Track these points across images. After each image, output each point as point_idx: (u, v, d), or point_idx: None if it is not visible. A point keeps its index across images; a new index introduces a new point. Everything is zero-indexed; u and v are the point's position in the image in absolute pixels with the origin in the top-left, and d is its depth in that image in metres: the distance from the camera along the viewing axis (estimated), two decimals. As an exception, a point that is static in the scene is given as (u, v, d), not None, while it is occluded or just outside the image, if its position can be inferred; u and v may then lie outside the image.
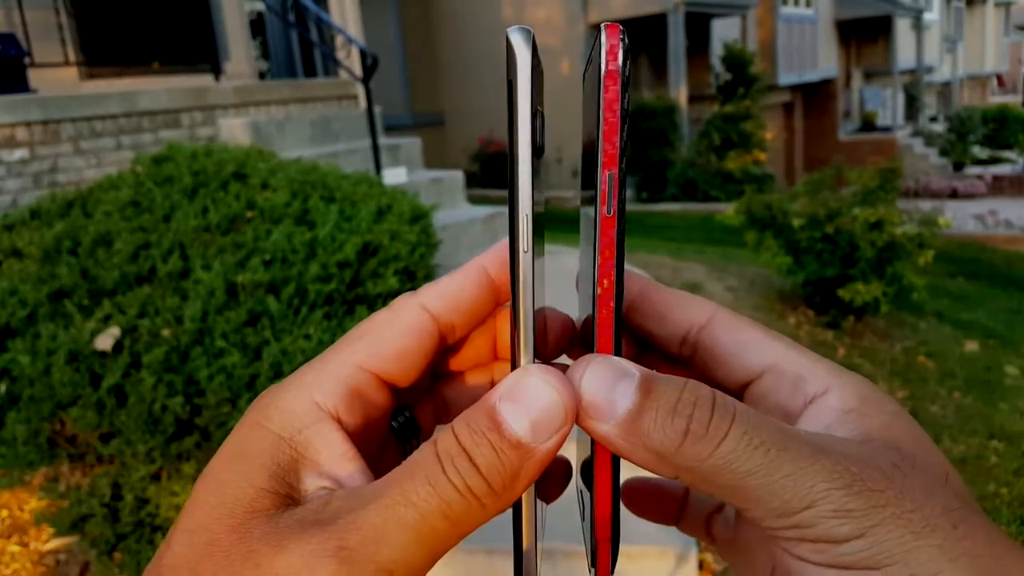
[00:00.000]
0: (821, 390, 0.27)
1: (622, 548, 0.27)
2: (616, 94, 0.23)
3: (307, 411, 0.26)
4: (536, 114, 0.23)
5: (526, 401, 0.23)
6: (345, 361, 0.28)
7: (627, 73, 0.23)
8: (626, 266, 0.25)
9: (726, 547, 0.33)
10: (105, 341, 2.32)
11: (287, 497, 0.25)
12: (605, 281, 0.25)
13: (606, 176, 0.24)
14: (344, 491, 0.25)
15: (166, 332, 2.36)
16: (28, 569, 2.35)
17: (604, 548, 0.26)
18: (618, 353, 0.25)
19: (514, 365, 0.24)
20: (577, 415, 0.24)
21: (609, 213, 0.24)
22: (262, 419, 0.26)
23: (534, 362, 0.24)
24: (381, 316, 0.29)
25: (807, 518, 0.22)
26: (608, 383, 0.24)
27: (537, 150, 0.24)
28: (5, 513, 2.56)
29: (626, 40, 0.23)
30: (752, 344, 0.29)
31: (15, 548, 2.43)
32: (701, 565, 2.22)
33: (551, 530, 0.29)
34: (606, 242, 0.24)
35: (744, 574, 0.31)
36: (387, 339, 0.28)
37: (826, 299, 4.62)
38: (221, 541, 0.23)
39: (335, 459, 0.26)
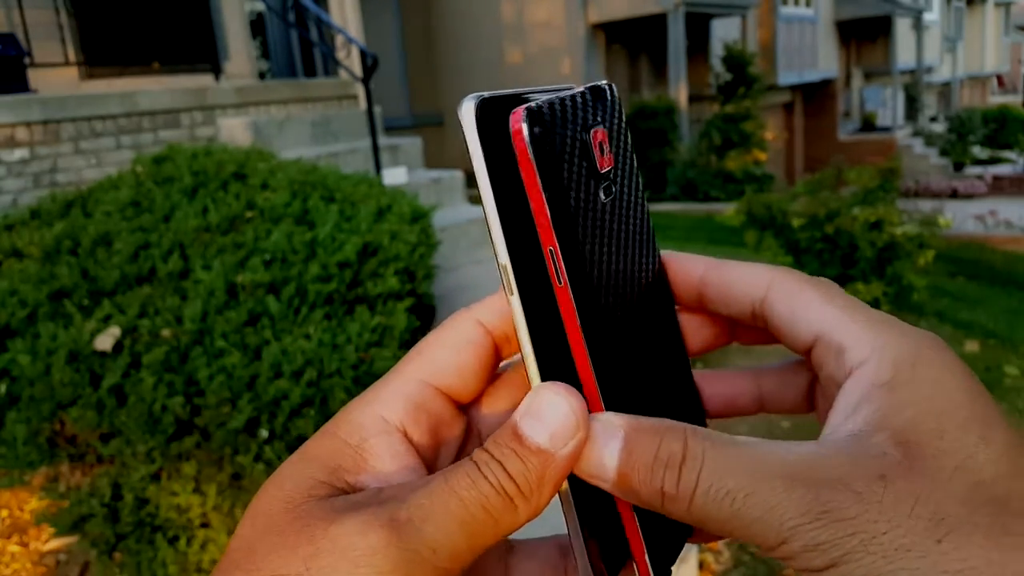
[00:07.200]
0: (859, 361, 0.27)
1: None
2: (532, 176, 0.25)
3: (374, 423, 0.28)
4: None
5: (543, 414, 0.25)
6: (408, 378, 0.29)
7: (543, 150, 0.24)
8: (676, 252, 0.30)
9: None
10: (105, 341, 2.32)
11: (343, 491, 0.27)
12: (573, 342, 0.26)
13: (548, 252, 0.25)
14: (396, 484, 0.27)
15: (166, 332, 2.36)
16: (28, 569, 2.35)
17: (643, 567, 0.28)
18: (603, 393, 0.27)
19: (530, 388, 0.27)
20: (585, 470, 0.26)
21: (560, 283, 0.26)
22: (332, 429, 0.28)
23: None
24: (437, 333, 0.30)
25: (784, 552, 0.23)
26: (599, 444, 0.26)
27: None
28: (5, 513, 2.56)
29: (529, 123, 0.24)
30: (803, 313, 0.29)
31: (15, 548, 2.43)
32: (701, 565, 2.22)
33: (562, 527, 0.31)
34: (566, 309, 0.26)
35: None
36: (444, 354, 0.30)
37: (826, 299, 4.61)
38: (279, 521, 0.25)
39: (399, 469, 0.27)
